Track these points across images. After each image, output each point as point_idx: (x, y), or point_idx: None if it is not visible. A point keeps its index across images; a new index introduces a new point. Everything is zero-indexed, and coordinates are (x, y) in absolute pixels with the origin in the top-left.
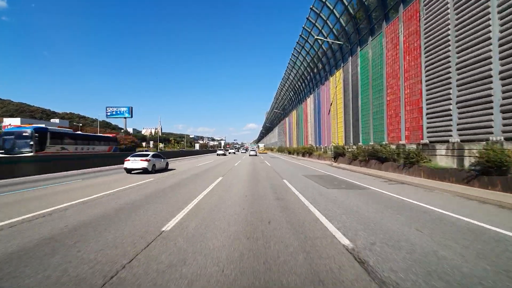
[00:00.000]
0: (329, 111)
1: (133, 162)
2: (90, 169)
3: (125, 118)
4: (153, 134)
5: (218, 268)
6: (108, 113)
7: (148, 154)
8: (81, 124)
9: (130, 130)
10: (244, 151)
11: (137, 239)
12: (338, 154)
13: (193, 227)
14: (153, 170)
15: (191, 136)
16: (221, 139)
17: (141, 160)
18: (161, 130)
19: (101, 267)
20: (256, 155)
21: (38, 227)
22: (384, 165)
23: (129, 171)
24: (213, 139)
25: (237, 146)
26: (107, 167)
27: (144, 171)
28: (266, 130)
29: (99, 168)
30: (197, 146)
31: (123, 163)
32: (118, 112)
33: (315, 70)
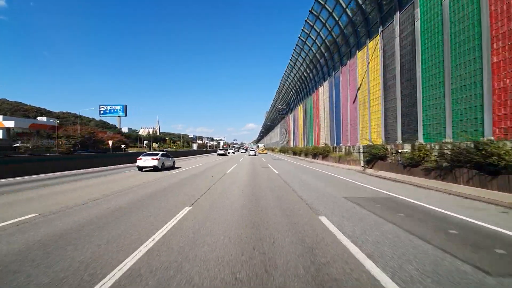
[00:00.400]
0: (355, 98)
1: (144, 161)
2: None
3: (119, 116)
4: (150, 133)
5: None
6: (102, 112)
7: (158, 154)
8: (58, 121)
9: (125, 129)
10: (244, 151)
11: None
12: (376, 157)
13: None
14: (162, 168)
15: (190, 136)
16: (220, 139)
17: (152, 159)
18: (159, 129)
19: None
20: (255, 155)
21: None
22: (498, 181)
23: (140, 168)
24: (212, 139)
25: (237, 146)
26: None
27: (154, 168)
28: (267, 130)
29: None
30: (194, 146)
31: None
32: (112, 110)
33: (332, 48)
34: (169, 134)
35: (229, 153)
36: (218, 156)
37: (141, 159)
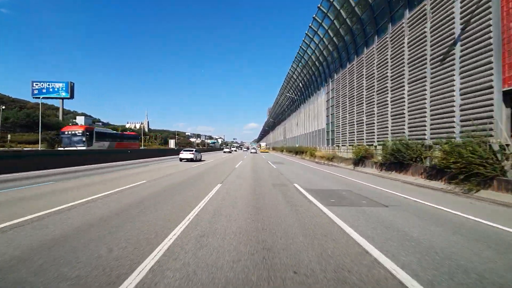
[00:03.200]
0: None
1: (184, 154)
2: None
3: (61, 98)
4: (137, 128)
5: None
6: (35, 91)
7: (193, 150)
8: None
9: (81, 119)
10: (246, 149)
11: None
12: None
13: None
14: (195, 160)
15: (187, 134)
16: (219, 137)
17: (189, 153)
18: (148, 124)
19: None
20: (256, 153)
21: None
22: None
23: (181, 159)
24: (210, 138)
25: (236, 145)
26: None
27: (190, 160)
28: (274, 119)
29: None
30: (172, 144)
31: None
32: (51, 89)
33: None
34: (164, 131)
35: (230, 151)
36: (224, 153)
37: (182, 153)
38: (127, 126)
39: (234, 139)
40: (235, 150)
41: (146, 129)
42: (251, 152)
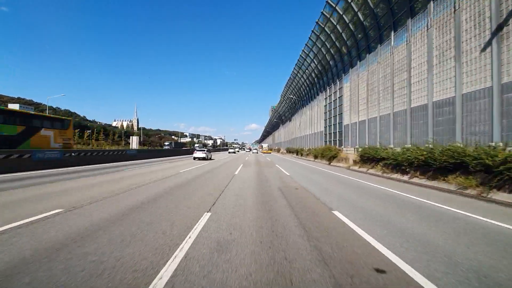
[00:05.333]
0: None
1: (198, 154)
2: None
3: None
4: (124, 127)
5: None
6: None
7: (205, 150)
8: None
9: (16, 108)
10: (248, 150)
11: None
12: None
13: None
14: (207, 159)
15: (185, 134)
16: (219, 138)
17: (202, 152)
18: (138, 122)
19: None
20: (257, 153)
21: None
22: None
23: (195, 158)
24: (210, 138)
25: (236, 146)
26: None
27: (203, 158)
28: (286, 113)
29: None
30: (134, 143)
31: None
32: None
33: None
34: (161, 131)
35: (229, 152)
36: (229, 153)
37: (195, 152)
38: (114, 123)
39: (234, 139)
40: (238, 151)
41: (135, 128)
42: (252, 153)
